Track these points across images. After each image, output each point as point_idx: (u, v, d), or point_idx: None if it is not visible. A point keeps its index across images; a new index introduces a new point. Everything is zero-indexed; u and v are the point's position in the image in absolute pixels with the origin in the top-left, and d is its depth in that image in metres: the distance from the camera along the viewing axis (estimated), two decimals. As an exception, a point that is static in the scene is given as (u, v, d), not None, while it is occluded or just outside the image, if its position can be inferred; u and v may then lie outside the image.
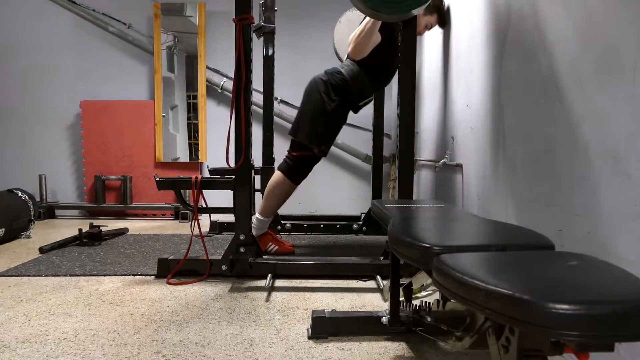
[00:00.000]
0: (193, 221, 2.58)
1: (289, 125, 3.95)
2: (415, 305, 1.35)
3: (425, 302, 1.27)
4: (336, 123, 2.38)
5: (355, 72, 2.32)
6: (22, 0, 3.99)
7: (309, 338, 1.42)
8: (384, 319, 1.38)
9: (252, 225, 2.35)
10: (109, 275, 2.10)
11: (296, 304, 1.73)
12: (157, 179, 2.10)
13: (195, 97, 3.97)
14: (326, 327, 1.44)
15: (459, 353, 1.33)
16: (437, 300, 1.18)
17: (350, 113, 2.47)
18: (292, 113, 3.92)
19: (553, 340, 0.69)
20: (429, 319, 1.17)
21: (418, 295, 1.81)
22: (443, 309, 1.13)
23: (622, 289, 0.64)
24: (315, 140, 2.31)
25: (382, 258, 2.10)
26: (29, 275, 2.08)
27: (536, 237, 1.00)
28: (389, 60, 2.38)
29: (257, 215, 2.39)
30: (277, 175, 2.38)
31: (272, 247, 2.41)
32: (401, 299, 1.39)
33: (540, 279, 0.69)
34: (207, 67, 3.98)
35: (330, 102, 2.29)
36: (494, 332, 0.76)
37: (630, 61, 1.04)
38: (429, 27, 2.64)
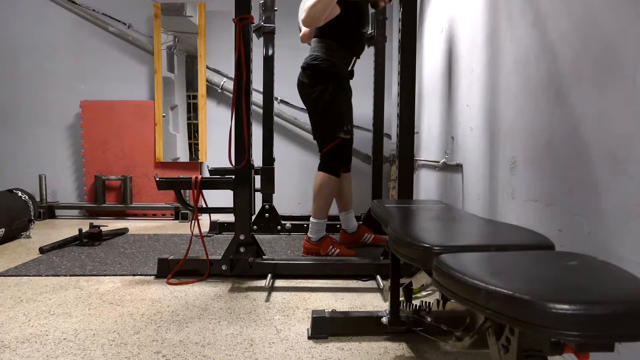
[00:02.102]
0: (193, 221, 2.59)
1: (289, 125, 3.98)
2: (415, 305, 1.35)
3: (425, 302, 1.27)
4: (343, 102, 2.37)
5: (327, 46, 2.33)
6: (23, 1, 3.99)
7: (309, 338, 1.42)
8: (384, 319, 1.38)
9: (310, 229, 2.37)
10: (109, 275, 2.10)
11: (296, 304, 1.73)
12: (157, 179, 2.10)
13: (195, 97, 3.97)
14: (326, 327, 1.44)
15: (459, 353, 1.33)
16: (437, 300, 1.18)
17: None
18: (292, 113, 3.94)
19: (553, 340, 0.69)
20: (429, 319, 1.17)
21: (418, 295, 1.81)
22: (443, 309, 1.13)
23: (622, 289, 0.64)
24: (335, 128, 2.32)
25: (382, 258, 2.10)
26: (29, 275, 2.08)
27: (536, 237, 0.99)
28: (354, 29, 2.38)
29: (311, 219, 2.37)
30: (319, 175, 2.36)
31: (333, 250, 2.35)
32: (401, 299, 1.39)
33: (540, 279, 0.69)
34: (207, 67, 3.98)
35: (324, 89, 2.29)
36: (494, 332, 0.76)
37: (630, 61, 1.04)
38: None
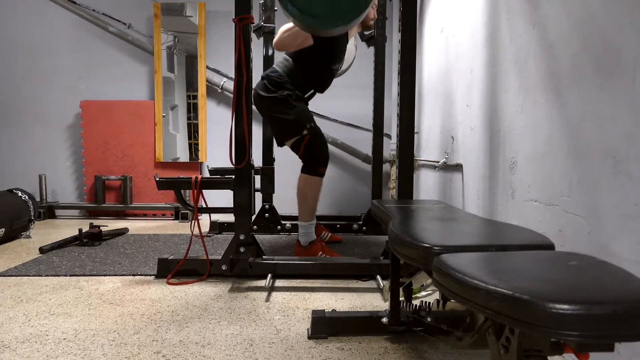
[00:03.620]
0: (193, 221, 2.59)
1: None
2: (415, 305, 1.35)
3: (425, 302, 1.27)
4: (298, 105, 2.34)
5: (291, 68, 2.34)
6: (22, 1, 3.99)
7: (309, 338, 1.42)
8: (384, 319, 1.38)
9: (299, 233, 2.36)
10: (109, 275, 2.10)
11: (296, 304, 1.73)
12: (157, 179, 2.10)
13: (195, 97, 3.97)
14: (326, 327, 1.44)
15: (459, 353, 1.33)
16: (437, 300, 1.18)
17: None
18: (292, 113, 3.93)
19: (553, 340, 0.69)
20: (429, 319, 1.17)
21: (418, 295, 1.82)
22: (443, 309, 1.13)
23: (622, 289, 0.64)
24: (298, 127, 2.29)
25: (382, 258, 2.10)
26: (29, 275, 2.08)
27: (536, 237, 0.99)
28: (324, 64, 2.38)
29: (299, 222, 2.36)
30: (301, 178, 2.35)
31: (322, 255, 2.32)
32: (401, 299, 1.39)
33: (540, 279, 0.69)
34: (207, 67, 3.98)
35: (279, 94, 2.29)
36: (494, 332, 0.76)
37: (630, 61, 1.04)
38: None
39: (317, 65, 2.37)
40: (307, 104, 2.45)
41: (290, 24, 2.14)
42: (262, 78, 2.39)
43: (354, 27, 2.47)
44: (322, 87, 2.49)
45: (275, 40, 2.26)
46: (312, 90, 2.44)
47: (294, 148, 2.35)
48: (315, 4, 1.64)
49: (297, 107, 2.32)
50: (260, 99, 2.35)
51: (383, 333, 1.43)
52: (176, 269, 2.04)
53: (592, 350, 0.60)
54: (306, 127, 2.30)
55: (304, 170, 2.35)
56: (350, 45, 2.93)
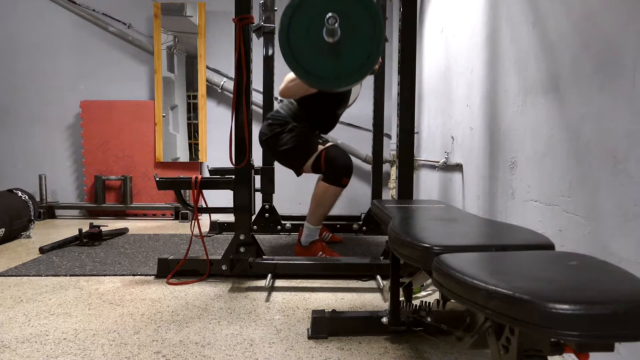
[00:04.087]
0: (193, 221, 2.59)
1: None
2: (415, 305, 1.35)
3: (425, 302, 1.27)
4: (306, 132, 2.33)
5: (295, 111, 2.36)
6: (22, 1, 3.99)
7: (309, 338, 1.42)
8: (384, 319, 1.38)
9: (303, 234, 2.36)
10: (109, 275, 2.10)
11: (296, 304, 1.73)
12: (157, 178, 2.10)
13: (195, 97, 3.97)
14: (326, 327, 1.44)
15: (458, 353, 1.33)
16: (437, 300, 1.18)
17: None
18: (292, 113, 3.93)
19: (553, 340, 0.69)
20: (429, 319, 1.17)
21: (418, 295, 1.82)
22: (443, 309, 1.13)
23: (622, 289, 0.64)
24: (311, 148, 2.27)
25: (382, 258, 2.10)
26: (29, 275, 2.08)
27: (536, 237, 0.99)
28: (328, 110, 2.38)
29: (307, 224, 2.35)
30: (320, 184, 2.28)
31: (322, 255, 2.31)
32: (401, 299, 1.39)
33: (540, 278, 0.69)
34: (207, 67, 3.98)
35: (285, 129, 2.31)
36: (494, 332, 0.76)
37: (630, 61, 1.04)
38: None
39: (322, 110, 2.38)
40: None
41: (292, 75, 2.15)
42: (266, 119, 2.40)
43: None
44: (326, 129, 2.50)
45: (280, 88, 2.25)
46: (316, 132, 2.44)
47: (315, 168, 2.27)
48: (320, 67, 1.67)
49: (305, 134, 2.33)
50: (267, 139, 2.37)
51: (383, 333, 1.43)
52: (176, 269, 2.04)
53: (592, 350, 0.60)
54: (319, 143, 2.29)
55: (325, 179, 2.26)
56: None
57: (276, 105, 3.20)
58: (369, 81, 3.17)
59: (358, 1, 1.65)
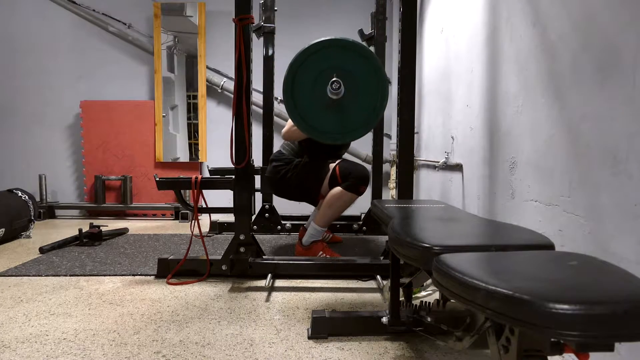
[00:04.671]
0: (193, 221, 2.59)
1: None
2: (415, 305, 1.35)
3: (425, 302, 1.27)
4: (311, 163, 2.34)
5: (296, 149, 2.39)
6: (23, 1, 3.99)
7: (309, 338, 1.42)
8: (384, 319, 1.38)
9: (307, 233, 2.36)
10: (109, 275, 2.10)
11: (296, 304, 1.73)
12: (157, 179, 2.10)
13: (195, 97, 3.97)
14: (326, 327, 1.44)
15: (459, 353, 1.33)
16: (437, 300, 1.18)
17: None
18: (292, 113, 3.93)
19: (553, 340, 0.69)
20: (429, 319, 1.17)
21: (418, 295, 1.82)
22: (443, 309, 1.13)
23: (622, 289, 0.64)
24: (323, 170, 2.29)
25: (382, 258, 2.10)
26: (29, 275, 2.08)
27: (536, 237, 1.00)
28: (329, 153, 2.39)
29: (313, 224, 2.35)
30: (336, 190, 2.25)
31: (322, 255, 2.31)
32: (401, 299, 1.39)
33: (540, 278, 0.69)
34: (207, 67, 3.98)
35: (290, 166, 2.33)
36: (494, 332, 0.76)
37: (630, 61, 1.04)
38: None
39: (324, 153, 2.38)
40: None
41: None
42: (270, 162, 2.42)
43: None
44: (331, 161, 2.48)
45: (283, 131, 2.30)
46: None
47: (332, 184, 2.27)
48: (325, 122, 1.70)
49: (313, 161, 2.33)
50: (276, 181, 2.38)
51: (383, 333, 1.43)
52: (176, 269, 2.04)
53: (592, 350, 0.60)
54: (327, 167, 2.30)
55: (344, 186, 2.24)
56: None
57: (276, 105, 3.21)
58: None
59: (360, 59, 1.68)
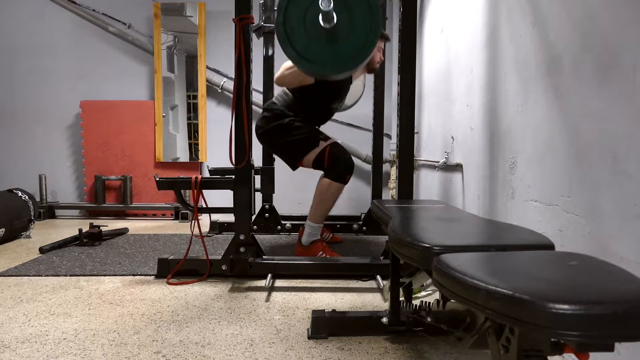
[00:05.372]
0: (193, 221, 2.59)
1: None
2: (415, 305, 1.35)
3: (425, 302, 1.27)
4: (305, 125, 2.33)
5: (290, 102, 2.35)
6: (23, 1, 3.99)
7: (309, 338, 1.42)
8: (384, 319, 1.38)
9: (304, 233, 2.36)
10: (109, 275, 2.10)
11: (296, 304, 1.73)
12: (157, 179, 2.10)
13: (195, 97, 3.97)
14: (326, 327, 1.44)
15: (459, 353, 1.33)
16: (437, 300, 1.18)
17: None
18: (292, 113, 3.94)
19: (553, 340, 0.69)
20: (429, 319, 1.17)
21: (418, 295, 1.82)
22: (443, 309, 1.13)
23: (622, 289, 0.64)
24: (312, 142, 2.28)
25: (382, 258, 2.10)
26: (29, 275, 2.08)
27: (536, 237, 0.99)
28: (323, 103, 2.38)
29: (308, 222, 2.35)
30: (323, 181, 2.30)
31: (322, 255, 2.31)
32: (401, 299, 1.39)
33: (540, 278, 0.69)
34: (207, 67, 3.98)
35: (281, 121, 2.29)
36: (494, 332, 0.76)
37: (630, 61, 1.04)
38: (380, 56, 2.56)
39: (316, 103, 2.37)
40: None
41: (289, 63, 2.14)
42: (263, 111, 2.40)
43: (359, 70, 2.46)
44: (320, 122, 2.50)
45: (276, 76, 2.26)
46: (311, 124, 2.43)
47: (317, 164, 2.29)
48: (314, 51, 1.64)
49: (305, 126, 2.32)
50: (263, 132, 2.36)
51: (383, 333, 1.43)
52: (176, 269, 2.04)
53: (592, 350, 0.60)
54: (321, 139, 2.29)
55: (329, 176, 2.28)
56: (358, 82, 2.94)
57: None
58: (369, 81, 3.17)
59: None
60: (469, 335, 0.93)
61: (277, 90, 2.48)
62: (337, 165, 2.26)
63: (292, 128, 2.30)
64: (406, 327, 1.35)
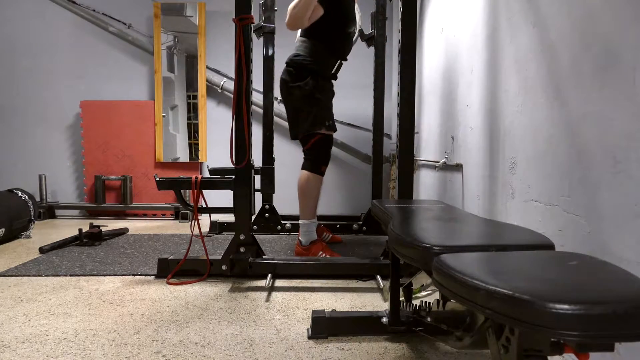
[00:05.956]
0: (193, 221, 2.59)
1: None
2: (415, 305, 1.35)
3: (425, 302, 1.27)
4: (322, 98, 2.36)
5: (310, 46, 2.34)
6: (23, 1, 3.99)
7: (309, 338, 1.42)
8: (384, 319, 1.38)
9: (300, 232, 2.37)
10: (109, 275, 2.10)
11: (296, 304, 1.73)
12: (157, 179, 2.10)
13: (195, 97, 3.97)
14: (326, 327, 1.44)
15: (459, 353, 1.33)
16: (437, 300, 1.18)
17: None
18: (292, 113, 3.93)
19: (553, 340, 0.69)
20: (429, 319, 1.17)
21: (418, 295, 1.82)
22: (443, 309, 1.13)
23: (622, 289, 0.64)
24: (316, 123, 2.32)
25: (382, 258, 2.10)
26: (29, 275, 2.08)
27: (536, 237, 0.99)
28: (339, 30, 2.38)
29: (300, 221, 2.37)
30: (303, 174, 2.37)
31: (323, 255, 2.31)
32: (401, 299, 1.39)
33: (540, 278, 0.69)
34: (207, 67, 3.98)
35: (304, 85, 2.29)
36: (494, 332, 0.76)
37: (630, 61, 1.04)
38: None
39: (334, 32, 2.37)
40: (336, 78, 2.47)
41: (295, 1, 2.16)
42: (287, 64, 2.38)
43: None
44: (344, 53, 2.49)
45: (287, 20, 2.22)
46: (337, 62, 2.45)
47: (303, 141, 2.39)
48: None
49: (320, 102, 2.34)
50: (285, 86, 2.37)
51: (383, 333, 1.43)
52: (176, 269, 2.04)
53: (592, 350, 0.60)
54: (325, 125, 2.33)
55: (306, 167, 2.37)
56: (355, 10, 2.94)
57: (276, 105, 3.21)
58: (369, 81, 3.17)
59: None
60: (469, 335, 0.93)
61: (296, 42, 2.46)
62: (314, 155, 2.36)
63: (308, 100, 2.31)
64: (406, 327, 1.35)
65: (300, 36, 2.41)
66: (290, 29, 2.30)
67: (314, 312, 1.48)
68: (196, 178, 2.07)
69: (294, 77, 2.32)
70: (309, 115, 2.32)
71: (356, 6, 2.60)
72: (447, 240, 0.96)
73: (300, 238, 2.37)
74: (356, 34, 2.77)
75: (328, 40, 2.36)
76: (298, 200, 2.39)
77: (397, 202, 1.65)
